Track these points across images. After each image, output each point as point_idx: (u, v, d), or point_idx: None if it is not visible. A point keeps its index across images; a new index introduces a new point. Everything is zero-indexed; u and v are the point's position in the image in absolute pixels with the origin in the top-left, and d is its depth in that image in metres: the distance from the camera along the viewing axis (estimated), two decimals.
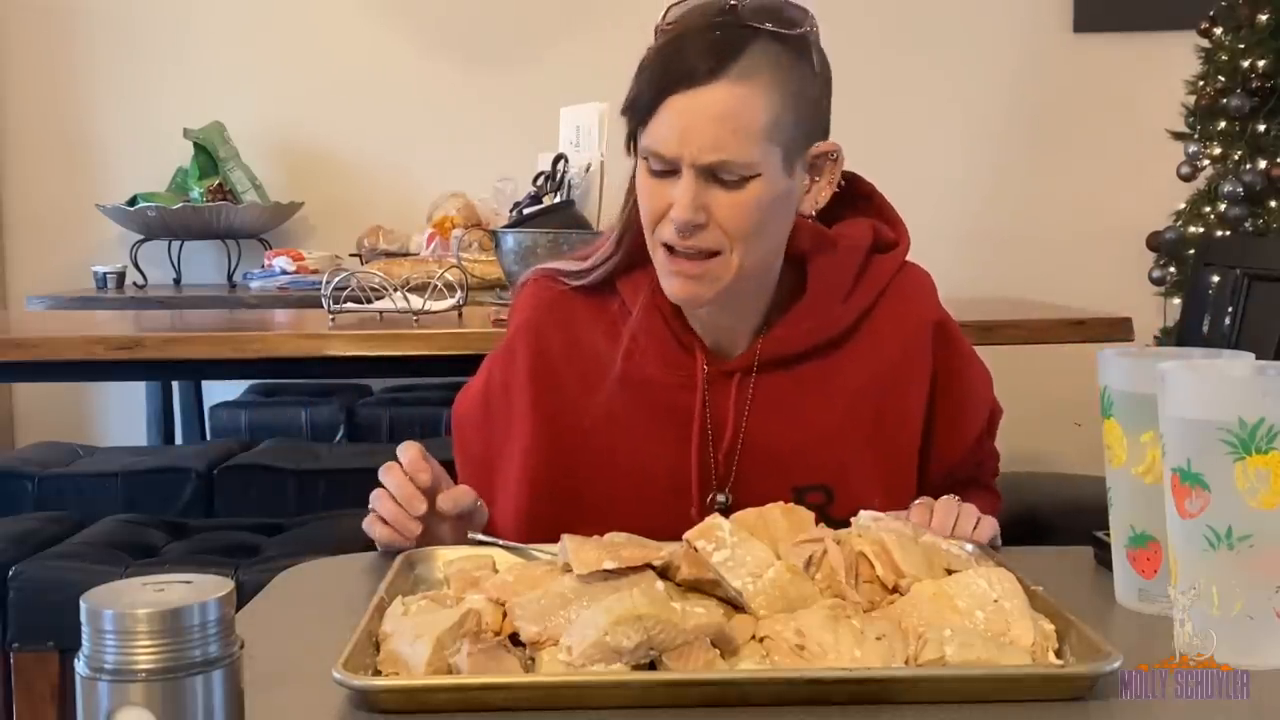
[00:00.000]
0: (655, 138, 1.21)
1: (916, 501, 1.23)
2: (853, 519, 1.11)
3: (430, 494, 1.20)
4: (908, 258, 1.37)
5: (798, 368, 1.32)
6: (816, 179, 1.28)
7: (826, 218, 1.35)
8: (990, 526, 1.21)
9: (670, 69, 1.20)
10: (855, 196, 1.38)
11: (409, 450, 1.20)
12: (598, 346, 1.34)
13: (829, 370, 1.33)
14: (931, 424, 1.36)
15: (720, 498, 1.30)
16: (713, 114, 1.18)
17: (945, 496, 1.24)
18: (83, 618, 0.66)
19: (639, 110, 1.23)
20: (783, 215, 1.26)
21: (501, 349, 1.40)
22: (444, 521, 1.22)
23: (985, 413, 1.42)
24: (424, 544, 1.19)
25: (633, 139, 1.26)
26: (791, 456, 1.31)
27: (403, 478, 1.19)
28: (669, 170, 1.21)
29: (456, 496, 1.22)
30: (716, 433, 1.31)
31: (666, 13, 1.25)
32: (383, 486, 1.21)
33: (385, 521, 1.20)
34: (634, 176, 1.31)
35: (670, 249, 1.24)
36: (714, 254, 1.23)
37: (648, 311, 1.32)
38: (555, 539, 1.18)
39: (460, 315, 2.31)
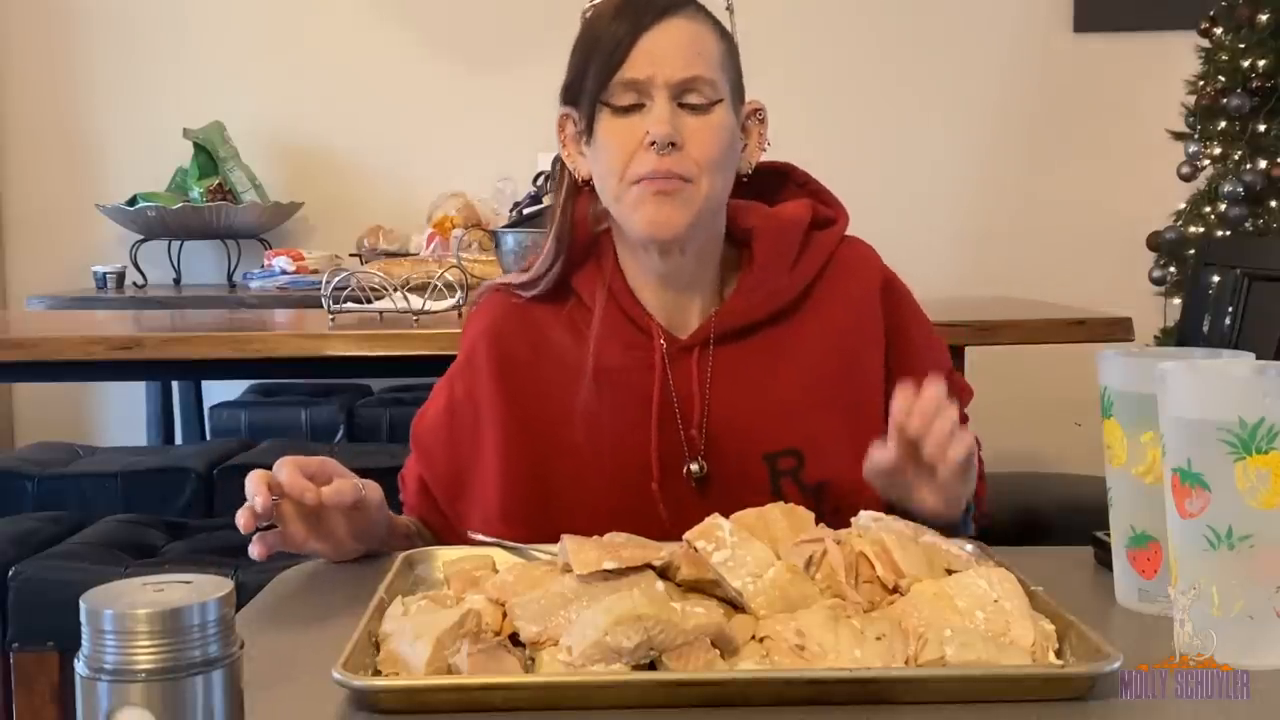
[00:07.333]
0: (627, 70, 1.27)
1: (898, 388, 1.17)
2: (853, 519, 1.11)
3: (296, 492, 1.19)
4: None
5: (752, 338, 1.36)
6: (747, 139, 1.36)
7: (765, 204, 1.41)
8: (967, 442, 1.15)
9: (631, 13, 1.28)
10: (792, 185, 1.43)
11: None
12: (563, 344, 1.36)
13: (784, 339, 1.36)
14: (891, 378, 1.35)
15: (694, 467, 1.32)
16: (681, 39, 1.28)
17: (929, 392, 1.16)
18: (82, 618, 0.66)
19: (611, 61, 1.27)
20: (734, 156, 1.33)
21: (459, 364, 1.41)
22: (335, 516, 1.21)
23: (942, 356, 1.42)
24: (317, 544, 1.22)
25: (589, 113, 1.29)
26: (758, 424, 1.33)
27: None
28: (636, 105, 1.27)
29: (338, 488, 1.19)
30: (684, 408, 1.34)
31: (587, 8, 1.34)
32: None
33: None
34: (565, 181, 1.38)
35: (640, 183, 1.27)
36: (686, 181, 1.27)
37: (605, 301, 1.36)
38: (533, 535, 1.19)
39: (460, 315, 2.31)
